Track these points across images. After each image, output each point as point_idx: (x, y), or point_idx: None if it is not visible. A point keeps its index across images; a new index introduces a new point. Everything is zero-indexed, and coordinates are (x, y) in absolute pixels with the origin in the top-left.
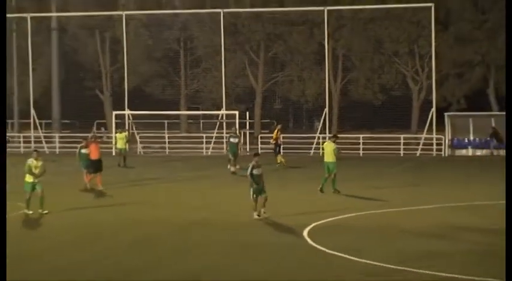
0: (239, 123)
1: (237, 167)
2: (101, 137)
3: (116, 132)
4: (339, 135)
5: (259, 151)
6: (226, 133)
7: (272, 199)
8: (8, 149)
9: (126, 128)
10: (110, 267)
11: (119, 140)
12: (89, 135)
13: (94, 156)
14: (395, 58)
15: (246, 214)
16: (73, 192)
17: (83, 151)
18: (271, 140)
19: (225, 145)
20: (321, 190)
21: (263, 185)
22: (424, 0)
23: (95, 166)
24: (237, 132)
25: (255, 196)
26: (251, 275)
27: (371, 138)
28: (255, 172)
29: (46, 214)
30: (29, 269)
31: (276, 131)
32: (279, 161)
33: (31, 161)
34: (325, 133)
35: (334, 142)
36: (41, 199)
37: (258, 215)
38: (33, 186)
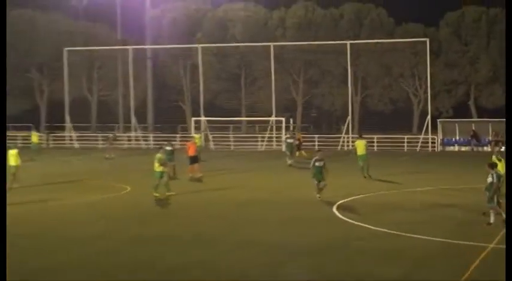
0: (285, 127)
1: (292, 161)
2: (193, 137)
3: (194, 134)
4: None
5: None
6: (277, 134)
7: (309, 184)
8: (115, 146)
9: (202, 130)
10: (197, 234)
11: (197, 139)
12: (191, 137)
13: (191, 152)
14: (401, 79)
15: (293, 194)
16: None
17: (167, 148)
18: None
19: (274, 143)
20: (369, 176)
21: (323, 175)
22: (421, 36)
23: (192, 160)
24: (294, 134)
25: (316, 182)
26: (293, 239)
27: (383, 138)
28: (316, 164)
29: (172, 195)
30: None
31: (298, 134)
32: (304, 154)
33: (159, 155)
34: (349, 134)
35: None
36: (167, 184)
37: (319, 197)
38: (161, 174)
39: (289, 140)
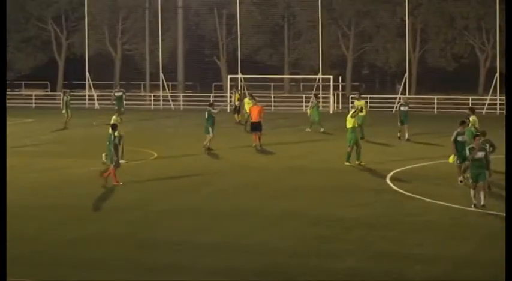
0: (333, 86)
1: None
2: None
3: (242, 98)
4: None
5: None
6: (324, 94)
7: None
8: (140, 106)
9: (239, 89)
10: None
11: (247, 105)
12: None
13: (254, 119)
14: (465, 32)
15: (340, 162)
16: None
17: (213, 110)
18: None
19: (321, 105)
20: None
21: (464, 152)
22: None
23: (254, 127)
24: (407, 101)
25: (458, 161)
26: (339, 213)
27: (444, 99)
28: (459, 138)
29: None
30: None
31: (236, 95)
32: (239, 118)
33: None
34: (406, 94)
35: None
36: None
37: (461, 181)
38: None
39: (402, 109)
